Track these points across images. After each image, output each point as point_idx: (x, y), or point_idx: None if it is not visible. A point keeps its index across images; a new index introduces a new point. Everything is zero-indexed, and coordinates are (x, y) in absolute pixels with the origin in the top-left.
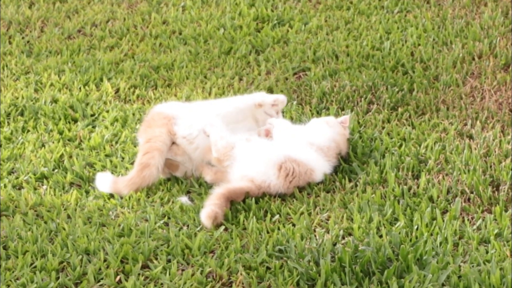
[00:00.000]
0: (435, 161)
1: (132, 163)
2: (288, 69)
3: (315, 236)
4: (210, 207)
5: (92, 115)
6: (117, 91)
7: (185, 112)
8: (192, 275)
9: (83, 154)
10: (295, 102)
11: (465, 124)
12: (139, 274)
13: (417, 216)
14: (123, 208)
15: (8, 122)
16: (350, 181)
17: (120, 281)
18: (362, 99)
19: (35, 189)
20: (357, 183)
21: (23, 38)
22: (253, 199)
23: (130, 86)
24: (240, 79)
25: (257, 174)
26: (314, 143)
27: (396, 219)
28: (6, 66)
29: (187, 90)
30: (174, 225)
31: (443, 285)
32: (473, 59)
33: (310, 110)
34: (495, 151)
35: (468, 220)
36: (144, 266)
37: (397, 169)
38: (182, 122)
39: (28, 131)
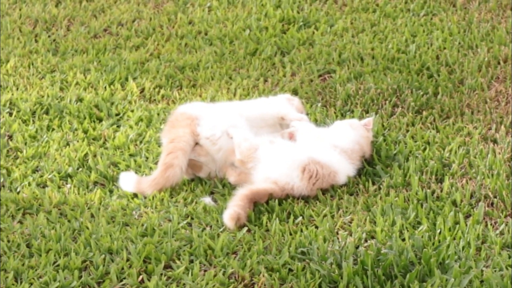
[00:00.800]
0: (459, 165)
1: (156, 163)
2: (313, 71)
3: (337, 238)
4: (233, 209)
5: (117, 115)
6: (142, 90)
7: (209, 113)
8: (215, 276)
9: (107, 153)
10: (319, 104)
11: (490, 129)
12: (161, 274)
13: (440, 220)
14: (146, 208)
15: (33, 120)
16: (373, 184)
17: (142, 281)
18: (387, 102)
19: (59, 187)
20: (381, 186)
21: (49, 36)
22: (276, 200)
23: (155, 86)
24: (265, 81)
25: (280, 176)
26: (338, 145)
27: (419, 223)
28: (32, 64)
29: (212, 90)
30: (197, 225)
31: None
32: (499, 63)
33: (335, 113)
34: None
35: (491, 224)
36: (167, 266)
37: (420, 173)
38: (205, 123)
39: (53, 129)
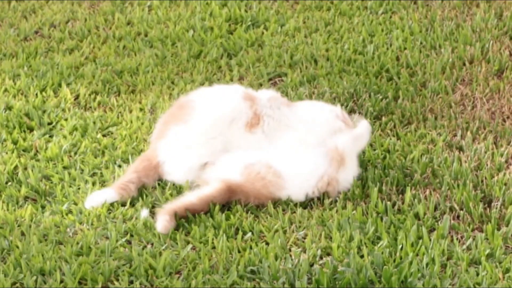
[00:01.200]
0: (421, 175)
1: (92, 175)
2: (263, 75)
3: (290, 256)
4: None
5: (49, 124)
6: (77, 97)
7: None
8: None
9: (39, 165)
10: None
11: (455, 135)
12: None
13: (401, 235)
14: (82, 225)
15: None
16: (329, 196)
17: None
18: (343, 107)
19: None
20: (337, 198)
21: None
22: (223, 215)
23: (91, 92)
24: (211, 85)
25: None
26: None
27: (379, 238)
28: None
29: (153, 96)
30: (137, 243)
31: None
32: (464, 64)
33: None
34: (487, 164)
35: (457, 239)
36: None
37: (380, 184)
38: None
39: None
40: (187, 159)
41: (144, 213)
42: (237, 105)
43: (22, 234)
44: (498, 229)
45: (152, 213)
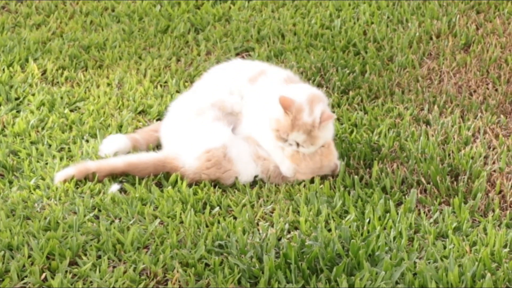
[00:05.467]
0: (389, 149)
1: (60, 150)
2: (230, 49)
3: (258, 230)
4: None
5: (16, 99)
6: (44, 72)
7: None
8: (124, 272)
9: (6, 141)
10: None
11: (422, 109)
12: (66, 272)
13: (369, 209)
14: (49, 200)
15: None
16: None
17: (45, 279)
18: (310, 81)
19: None
20: None
21: None
22: (191, 190)
23: (58, 67)
24: (178, 60)
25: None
26: None
27: (346, 212)
28: None
29: (120, 71)
30: (105, 218)
31: (397, 283)
32: (431, 38)
33: None
34: (454, 138)
35: (424, 212)
36: (72, 263)
37: (347, 158)
38: None
39: None
40: None
41: (114, 187)
42: None
43: None
44: (465, 203)
45: (123, 189)
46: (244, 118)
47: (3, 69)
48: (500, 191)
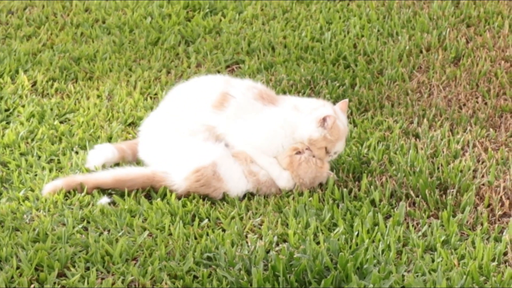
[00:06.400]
0: (378, 162)
1: (49, 162)
2: (221, 62)
3: (246, 242)
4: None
5: (6, 110)
6: (34, 84)
7: None
8: (113, 284)
9: None
10: None
11: (411, 122)
12: (54, 283)
13: (357, 221)
14: (38, 211)
15: None
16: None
17: None
18: (300, 94)
19: None
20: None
21: None
22: (180, 202)
23: (48, 79)
24: (168, 72)
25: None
26: None
27: (335, 225)
28: None
29: (110, 83)
30: (93, 230)
31: None
32: (421, 52)
33: None
34: (443, 152)
35: (413, 226)
36: (61, 274)
37: (336, 170)
38: None
39: None
40: None
41: (104, 200)
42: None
43: None
44: (454, 216)
45: (112, 202)
46: (230, 137)
47: None
48: (489, 205)
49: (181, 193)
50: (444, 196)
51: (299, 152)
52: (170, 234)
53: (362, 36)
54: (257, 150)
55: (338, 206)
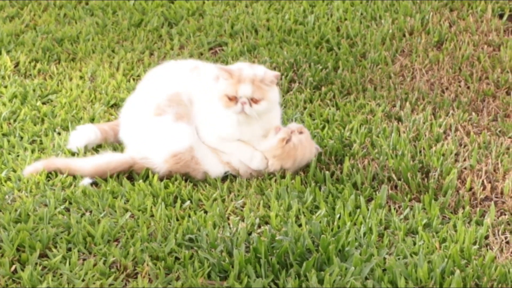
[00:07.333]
0: (360, 145)
1: (31, 143)
2: (203, 44)
3: (228, 224)
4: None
5: None
6: (17, 65)
7: None
8: (94, 265)
9: None
10: None
11: (394, 106)
12: (36, 264)
13: (339, 204)
14: (20, 192)
15: None
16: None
17: (15, 271)
18: (283, 77)
19: None
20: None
21: None
22: (162, 183)
23: (31, 60)
24: (151, 54)
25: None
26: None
27: (317, 207)
28: None
29: (93, 65)
30: (75, 210)
31: (366, 278)
32: (404, 35)
33: None
34: (425, 135)
35: (394, 209)
36: (42, 255)
37: (319, 153)
38: None
39: None
40: None
41: (86, 181)
42: None
43: None
44: (435, 199)
45: (94, 182)
46: (200, 127)
47: None
48: (471, 188)
49: (163, 174)
50: (426, 179)
51: (288, 141)
52: (152, 216)
53: (345, 19)
54: (217, 140)
55: (320, 188)
